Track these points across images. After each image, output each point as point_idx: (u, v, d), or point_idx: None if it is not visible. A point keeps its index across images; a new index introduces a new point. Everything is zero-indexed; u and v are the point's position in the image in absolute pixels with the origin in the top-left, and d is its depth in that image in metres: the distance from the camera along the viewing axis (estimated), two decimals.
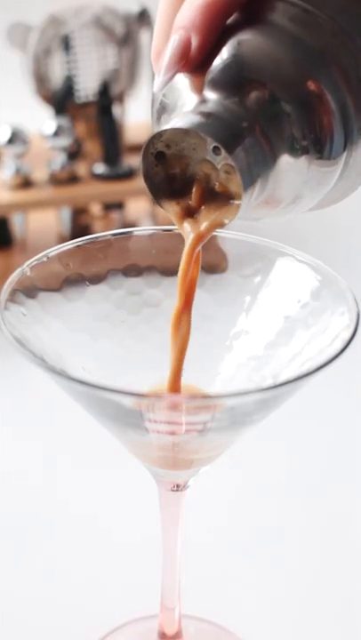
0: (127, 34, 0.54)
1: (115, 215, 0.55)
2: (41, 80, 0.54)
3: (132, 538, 0.34)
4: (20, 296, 0.23)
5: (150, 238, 0.26)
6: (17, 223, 0.53)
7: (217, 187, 0.21)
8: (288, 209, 0.21)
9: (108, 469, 0.37)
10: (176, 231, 0.25)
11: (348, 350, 0.21)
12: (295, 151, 0.19)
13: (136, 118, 0.58)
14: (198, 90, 0.19)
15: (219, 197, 0.21)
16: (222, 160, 0.20)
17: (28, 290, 0.24)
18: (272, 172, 0.20)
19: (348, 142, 0.20)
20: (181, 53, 0.19)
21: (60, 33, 0.53)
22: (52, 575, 0.33)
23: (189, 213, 0.21)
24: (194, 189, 0.21)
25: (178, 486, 0.25)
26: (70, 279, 0.25)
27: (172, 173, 0.21)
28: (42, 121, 0.52)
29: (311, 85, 0.19)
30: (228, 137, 0.19)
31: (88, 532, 0.35)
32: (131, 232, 0.26)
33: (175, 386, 0.22)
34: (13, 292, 0.23)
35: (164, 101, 0.20)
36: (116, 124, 0.53)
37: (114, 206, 0.55)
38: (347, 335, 0.22)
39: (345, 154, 0.20)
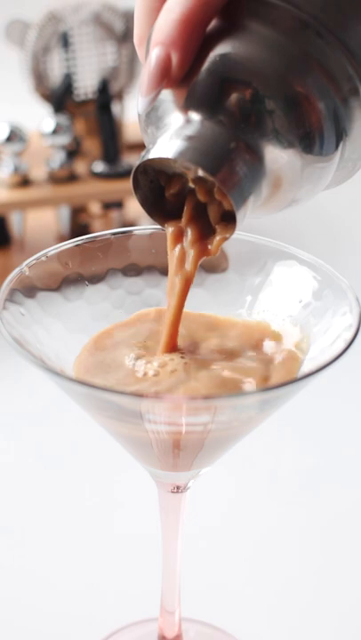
0: (126, 31, 0.54)
1: (114, 214, 0.55)
2: (39, 77, 0.54)
3: (131, 540, 0.34)
4: (19, 296, 0.23)
5: (150, 237, 0.26)
6: (15, 222, 0.53)
7: (212, 204, 0.21)
8: (288, 207, 0.21)
9: (107, 470, 0.37)
10: None
11: (350, 350, 0.21)
12: (283, 150, 0.19)
13: (135, 116, 0.58)
14: (181, 106, 0.19)
15: (217, 214, 0.21)
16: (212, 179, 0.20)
17: (27, 289, 0.23)
18: (264, 182, 0.19)
19: (340, 136, 0.19)
20: (162, 72, 0.19)
21: (58, 30, 0.53)
22: (52, 578, 0.32)
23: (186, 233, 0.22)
24: (186, 208, 0.21)
25: (178, 488, 0.25)
26: (69, 279, 0.25)
27: (169, 193, 0.21)
28: (40, 119, 0.52)
29: (296, 85, 0.19)
30: (213, 162, 0.19)
31: (87, 534, 0.34)
32: (130, 231, 0.26)
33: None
34: (12, 292, 0.23)
35: (150, 115, 0.20)
36: (116, 121, 0.53)
37: (113, 205, 0.54)
38: (349, 335, 0.21)
39: (339, 148, 0.20)
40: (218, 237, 0.21)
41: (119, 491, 0.36)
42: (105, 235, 0.25)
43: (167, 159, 0.19)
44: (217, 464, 0.24)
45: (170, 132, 0.19)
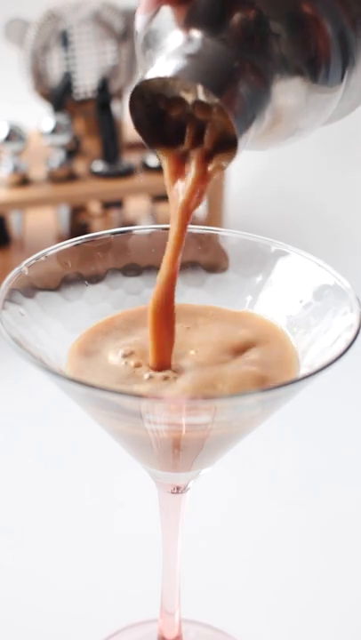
0: (126, 29, 0.54)
1: (114, 213, 0.54)
2: (39, 76, 0.54)
3: (131, 540, 0.34)
4: (18, 296, 0.23)
5: (150, 237, 0.26)
6: (15, 222, 0.53)
7: (212, 128, 0.19)
8: (289, 137, 0.20)
9: (107, 470, 0.37)
10: None
11: (350, 351, 0.21)
12: (289, 75, 0.18)
13: None
14: (182, 24, 0.18)
15: (216, 139, 0.19)
16: (214, 101, 0.18)
17: (26, 289, 0.23)
18: (268, 107, 0.18)
19: (347, 63, 0.18)
20: None
21: (58, 29, 0.53)
22: (52, 578, 0.32)
23: (185, 160, 0.20)
24: (187, 131, 0.19)
25: (178, 489, 0.24)
26: (69, 278, 0.25)
27: (166, 117, 0.20)
28: (40, 118, 0.52)
29: (303, 5, 0.18)
30: (217, 81, 0.17)
31: (87, 535, 0.34)
32: (130, 231, 0.26)
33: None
34: (11, 292, 0.23)
35: (148, 37, 0.19)
36: (115, 121, 0.53)
37: (113, 204, 0.54)
38: (349, 335, 0.21)
39: (345, 75, 0.19)
40: (217, 163, 0.19)
41: (119, 491, 0.36)
42: (105, 234, 0.25)
43: (166, 78, 0.18)
44: (217, 464, 0.24)
45: (169, 51, 0.18)
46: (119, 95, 0.56)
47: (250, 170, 0.63)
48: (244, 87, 0.18)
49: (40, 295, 0.24)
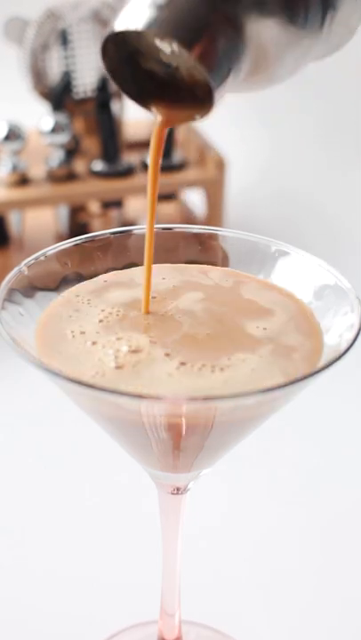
0: None
1: (113, 213, 0.54)
2: (38, 75, 0.54)
3: (131, 542, 0.34)
4: (18, 295, 0.23)
5: None
6: (14, 221, 0.53)
7: (188, 78, 0.19)
8: (269, 84, 0.19)
9: (107, 470, 0.37)
10: (176, 230, 0.25)
11: (351, 351, 0.21)
12: (265, 21, 0.17)
13: (135, 114, 0.58)
14: None
15: (193, 89, 0.19)
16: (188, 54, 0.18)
17: (26, 289, 0.23)
18: (245, 57, 0.18)
19: (327, 7, 0.18)
20: None
21: (57, 27, 0.53)
22: (51, 581, 0.32)
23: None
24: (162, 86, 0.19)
25: (178, 489, 0.24)
26: (68, 278, 0.24)
27: (143, 71, 0.19)
28: (39, 117, 0.52)
29: None
30: (189, 35, 0.17)
31: (87, 535, 0.34)
32: (130, 230, 0.26)
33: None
34: (10, 292, 0.23)
35: None
36: (115, 120, 0.53)
37: (113, 204, 0.54)
38: (350, 336, 0.21)
39: (326, 20, 0.18)
40: (195, 116, 0.19)
41: (119, 491, 0.36)
42: (104, 234, 0.25)
43: (135, 31, 0.17)
44: (218, 465, 0.24)
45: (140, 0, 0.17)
46: (119, 94, 0.56)
47: (250, 169, 0.63)
48: (219, 39, 0.17)
49: (39, 295, 0.24)
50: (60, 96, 0.54)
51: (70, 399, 0.22)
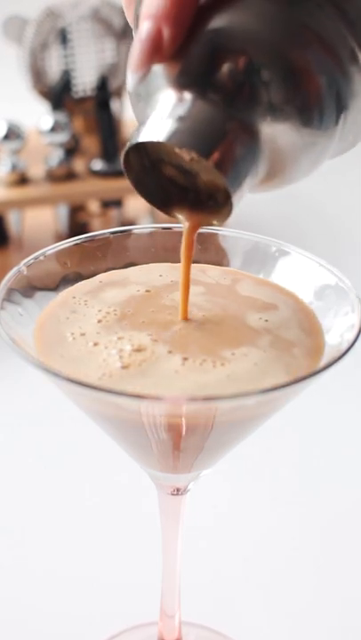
0: (126, 27, 0.53)
1: (113, 213, 0.54)
2: (37, 74, 0.54)
3: (131, 542, 0.34)
4: (17, 295, 0.23)
5: (150, 236, 0.26)
6: (13, 221, 0.52)
7: (208, 184, 0.20)
8: (287, 184, 0.20)
9: (107, 470, 0.37)
10: (176, 229, 0.25)
11: (352, 351, 0.20)
12: (280, 125, 0.18)
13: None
14: (173, 82, 0.18)
15: (211, 197, 0.20)
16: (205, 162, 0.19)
17: (25, 289, 0.23)
18: (261, 161, 0.19)
19: (341, 109, 0.19)
20: (153, 48, 0.18)
21: (56, 26, 0.53)
22: (52, 579, 0.32)
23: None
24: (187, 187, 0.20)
25: (178, 490, 0.24)
26: (68, 278, 0.24)
27: (164, 178, 0.21)
28: (39, 116, 0.52)
29: (293, 55, 0.18)
30: (206, 144, 0.18)
31: (86, 536, 0.34)
32: (129, 230, 0.25)
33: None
34: (10, 292, 0.23)
35: (140, 90, 0.19)
36: (115, 119, 0.53)
37: (112, 203, 0.54)
38: (351, 336, 0.21)
39: (340, 121, 0.19)
40: (214, 222, 0.21)
41: (119, 491, 0.36)
42: (104, 234, 0.25)
43: (157, 143, 0.18)
44: (218, 466, 0.24)
45: (160, 112, 0.19)
46: (118, 93, 0.56)
47: None
48: (235, 146, 0.18)
49: (39, 295, 0.24)
50: (59, 95, 0.54)
51: (70, 400, 0.22)
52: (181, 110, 0.18)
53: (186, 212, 0.21)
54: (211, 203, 0.21)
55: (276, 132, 0.19)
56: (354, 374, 0.42)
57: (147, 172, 0.21)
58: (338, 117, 0.19)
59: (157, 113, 0.19)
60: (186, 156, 0.20)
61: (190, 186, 0.21)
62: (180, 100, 0.19)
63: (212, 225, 0.21)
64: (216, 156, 0.18)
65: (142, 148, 0.20)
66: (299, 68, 0.18)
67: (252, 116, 0.18)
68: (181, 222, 0.22)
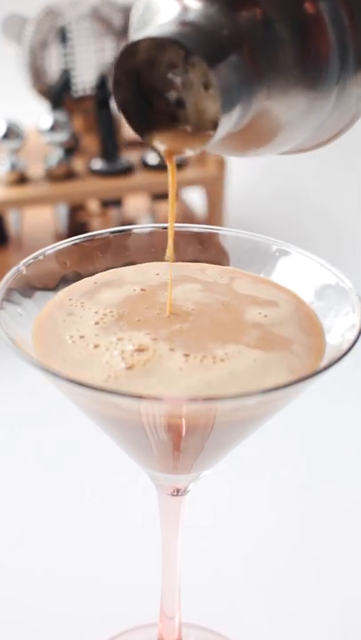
0: (125, 26, 0.53)
1: (113, 212, 0.54)
2: (37, 73, 0.54)
3: (131, 543, 0.34)
4: (16, 295, 0.23)
5: (149, 236, 0.26)
6: (12, 220, 0.52)
7: (194, 109, 0.19)
8: (276, 143, 0.20)
9: (107, 470, 0.37)
10: (175, 229, 0.25)
11: (353, 351, 0.20)
12: (285, 79, 0.18)
13: None
14: None
15: (197, 121, 0.19)
16: (201, 76, 0.18)
17: (24, 289, 0.23)
18: (256, 98, 0.18)
19: (342, 72, 0.18)
20: None
21: (56, 25, 0.52)
22: (51, 579, 0.32)
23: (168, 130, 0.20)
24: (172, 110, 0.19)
25: (178, 491, 0.24)
26: (67, 278, 0.24)
27: (148, 96, 0.19)
28: (38, 115, 0.52)
29: (309, 7, 0.17)
30: (210, 49, 0.17)
31: (86, 536, 0.34)
32: (129, 230, 0.25)
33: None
34: (9, 292, 0.23)
35: (143, 16, 0.19)
36: (115, 118, 0.53)
37: (112, 203, 0.54)
38: (351, 336, 0.21)
39: (339, 84, 0.18)
40: (195, 146, 0.19)
41: (119, 491, 0.36)
42: (104, 233, 0.25)
43: (159, 39, 0.17)
44: (218, 466, 0.24)
45: (165, 19, 0.18)
46: None
47: (250, 168, 0.63)
48: (238, 66, 0.17)
49: (38, 295, 0.24)
50: (58, 94, 0.54)
51: (70, 400, 0.22)
52: (186, 16, 0.17)
53: (166, 138, 0.20)
54: (196, 135, 0.19)
55: (277, 74, 0.18)
56: (354, 374, 0.42)
57: (134, 98, 0.19)
58: (338, 79, 0.18)
59: (161, 20, 0.18)
60: (179, 75, 0.18)
61: (178, 116, 0.19)
62: (186, 8, 0.17)
63: (192, 149, 0.20)
64: (218, 66, 0.17)
65: (134, 74, 0.19)
66: (314, 22, 0.17)
67: (261, 53, 0.17)
68: (159, 149, 0.20)
